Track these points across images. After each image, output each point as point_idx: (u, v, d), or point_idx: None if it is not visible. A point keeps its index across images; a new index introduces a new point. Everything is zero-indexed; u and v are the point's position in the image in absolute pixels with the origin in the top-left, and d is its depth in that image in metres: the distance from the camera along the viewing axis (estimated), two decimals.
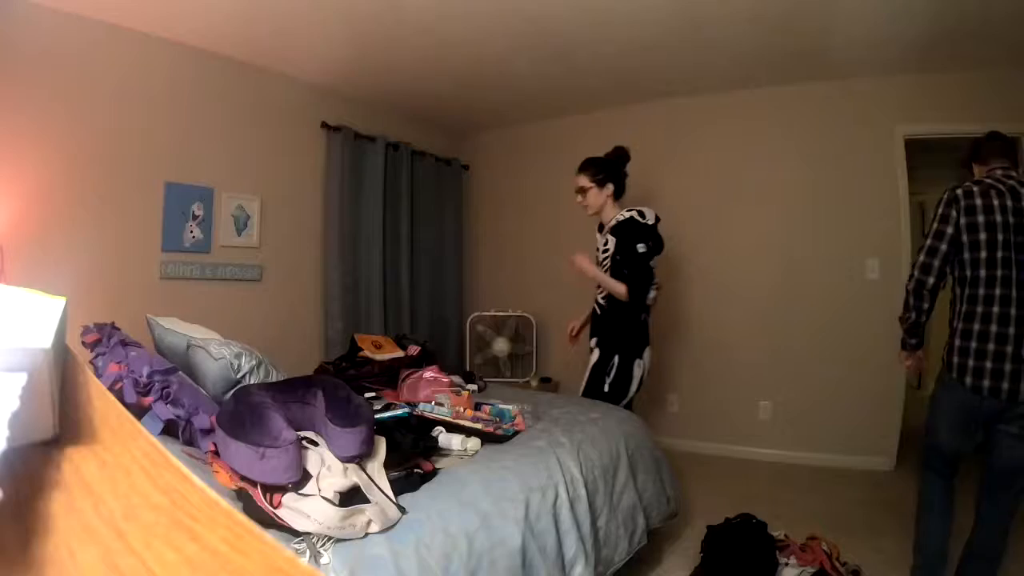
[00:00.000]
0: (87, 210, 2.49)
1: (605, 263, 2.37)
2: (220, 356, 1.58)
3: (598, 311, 2.46)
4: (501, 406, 1.88)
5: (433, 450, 1.52)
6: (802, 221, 3.36)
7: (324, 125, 3.44)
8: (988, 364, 1.53)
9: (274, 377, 1.62)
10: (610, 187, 2.40)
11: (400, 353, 2.21)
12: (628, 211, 2.34)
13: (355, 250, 3.58)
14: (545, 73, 3.30)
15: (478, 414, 1.80)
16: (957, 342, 1.61)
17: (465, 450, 1.57)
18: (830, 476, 3.04)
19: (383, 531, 1.11)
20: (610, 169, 2.42)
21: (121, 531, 0.23)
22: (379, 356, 2.14)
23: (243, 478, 1.09)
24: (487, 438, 1.66)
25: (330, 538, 1.04)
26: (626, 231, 2.29)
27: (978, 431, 1.63)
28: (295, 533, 1.03)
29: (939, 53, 2.83)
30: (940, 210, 1.64)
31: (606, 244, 2.38)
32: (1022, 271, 1.51)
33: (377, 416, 1.45)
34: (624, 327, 2.36)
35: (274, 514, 1.04)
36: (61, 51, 2.39)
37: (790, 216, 3.39)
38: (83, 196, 2.48)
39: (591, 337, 2.49)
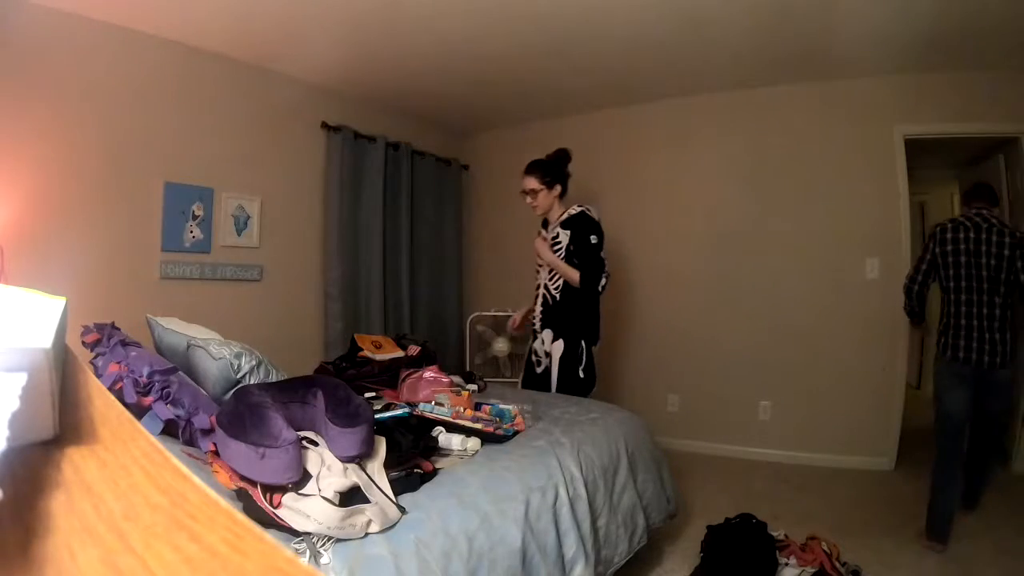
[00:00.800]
0: (87, 210, 2.49)
1: (558, 254, 2.50)
2: (220, 356, 1.58)
3: (550, 301, 2.55)
4: (501, 406, 1.87)
5: (433, 450, 1.52)
6: (802, 220, 3.36)
7: (324, 125, 3.44)
8: (962, 342, 2.25)
9: (274, 377, 1.62)
10: (558, 188, 2.56)
11: (400, 353, 2.21)
12: (579, 206, 2.51)
13: (355, 250, 3.58)
14: (545, 72, 3.29)
15: (478, 414, 1.80)
16: (944, 329, 2.32)
17: (465, 450, 1.57)
18: (830, 476, 3.04)
19: (383, 531, 1.11)
20: (556, 171, 2.56)
21: (121, 531, 0.23)
22: (379, 356, 2.14)
23: (243, 478, 1.09)
24: (487, 438, 1.66)
25: (330, 538, 1.04)
26: (579, 224, 2.47)
27: (968, 390, 2.24)
28: (295, 533, 1.03)
29: (939, 53, 2.83)
30: (927, 242, 2.38)
31: (556, 237, 2.52)
32: (979, 281, 2.22)
33: (377, 416, 1.45)
34: (585, 315, 2.48)
35: (274, 514, 1.04)
36: (61, 51, 2.39)
37: (790, 215, 3.39)
38: (83, 196, 2.48)
39: (544, 328, 2.56)
